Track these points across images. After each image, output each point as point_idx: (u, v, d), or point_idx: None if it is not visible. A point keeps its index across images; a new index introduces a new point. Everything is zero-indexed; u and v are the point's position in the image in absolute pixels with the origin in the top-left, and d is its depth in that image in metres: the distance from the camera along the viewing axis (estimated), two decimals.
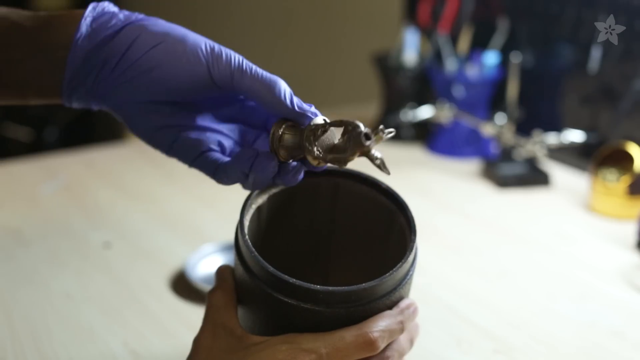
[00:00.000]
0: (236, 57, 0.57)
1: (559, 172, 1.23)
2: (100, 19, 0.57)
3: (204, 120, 0.60)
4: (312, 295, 0.54)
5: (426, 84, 1.37)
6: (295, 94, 0.58)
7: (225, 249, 0.92)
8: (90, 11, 0.58)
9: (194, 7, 2.70)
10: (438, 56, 1.34)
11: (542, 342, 0.75)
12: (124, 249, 0.96)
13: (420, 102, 1.36)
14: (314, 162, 0.56)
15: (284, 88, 0.56)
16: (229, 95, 0.60)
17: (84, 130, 2.77)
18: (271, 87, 0.56)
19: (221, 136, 0.60)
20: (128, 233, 1.01)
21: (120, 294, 0.85)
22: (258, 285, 0.55)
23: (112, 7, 0.59)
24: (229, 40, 2.76)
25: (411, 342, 0.59)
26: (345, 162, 0.55)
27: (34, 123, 2.63)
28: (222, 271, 0.61)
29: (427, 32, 1.42)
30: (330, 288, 0.54)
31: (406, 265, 0.57)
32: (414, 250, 0.58)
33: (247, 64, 0.57)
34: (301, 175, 0.58)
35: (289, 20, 2.21)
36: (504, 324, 0.78)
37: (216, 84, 0.57)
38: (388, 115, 1.39)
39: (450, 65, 1.30)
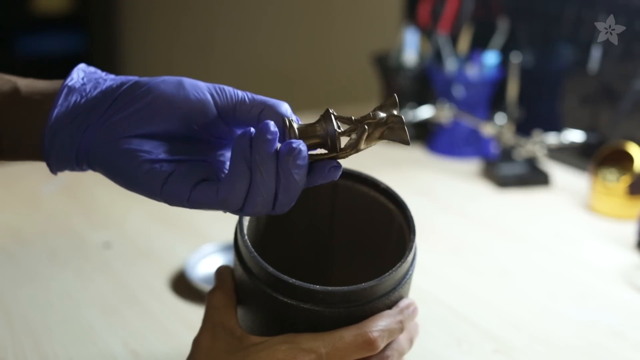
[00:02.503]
0: (239, 90, 0.54)
1: (559, 172, 1.23)
2: (92, 75, 0.56)
3: (203, 154, 0.55)
4: (311, 295, 0.54)
5: (426, 84, 1.37)
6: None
7: (225, 249, 0.92)
8: (82, 65, 0.56)
9: (193, 3, 2.70)
10: (438, 56, 1.34)
11: (542, 342, 0.75)
12: (124, 249, 0.96)
13: (420, 102, 1.36)
14: (344, 155, 0.52)
15: (289, 108, 0.54)
16: (227, 134, 0.56)
17: None
18: (277, 106, 0.53)
19: (220, 170, 0.56)
20: (128, 233, 1.01)
21: (120, 294, 0.85)
22: (257, 286, 0.55)
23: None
24: (228, 41, 2.75)
25: (411, 341, 0.59)
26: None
27: None
28: (221, 272, 0.61)
29: (427, 32, 1.42)
30: (330, 288, 0.54)
31: (405, 265, 0.57)
32: (413, 250, 0.58)
33: (250, 93, 0.54)
34: (340, 171, 0.53)
35: (288, 20, 2.21)
36: (504, 324, 0.78)
37: (220, 114, 0.54)
38: None
39: (450, 65, 1.30)
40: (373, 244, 0.66)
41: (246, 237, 0.57)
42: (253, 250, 0.56)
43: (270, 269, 0.54)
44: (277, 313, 0.55)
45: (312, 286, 0.53)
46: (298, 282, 0.54)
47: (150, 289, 0.86)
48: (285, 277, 0.54)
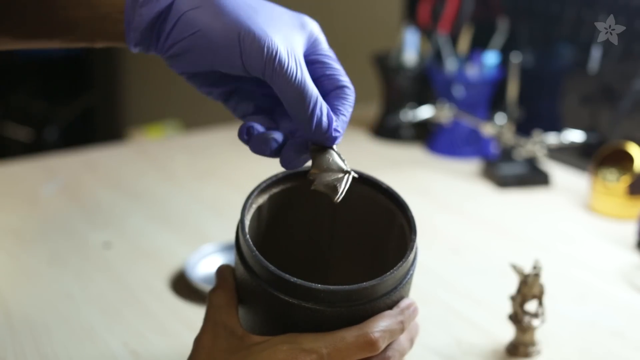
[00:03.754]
0: (272, 47, 0.53)
1: (559, 172, 1.23)
2: None
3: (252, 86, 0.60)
4: (313, 294, 0.54)
5: (426, 84, 1.37)
6: None
7: (225, 249, 0.92)
8: None
9: None
10: (438, 56, 1.34)
11: (542, 342, 0.75)
12: (124, 249, 0.96)
13: (420, 102, 1.36)
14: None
15: (317, 104, 0.55)
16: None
17: (84, 130, 2.77)
18: (302, 99, 0.54)
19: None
20: (128, 233, 1.01)
21: (120, 294, 0.85)
22: (259, 285, 0.55)
23: None
24: None
25: (411, 341, 0.59)
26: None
27: (34, 123, 2.63)
28: (222, 271, 0.61)
29: (427, 32, 1.42)
30: (332, 287, 0.54)
31: (406, 265, 0.57)
32: (414, 250, 0.58)
33: (282, 58, 0.54)
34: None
35: None
36: (504, 323, 0.78)
37: (249, 72, 0.55)
38: (388, 115, 1.39)
39: (450, 65, 1.30)
40: (374, 244, 0.66)
41: (248, 235, 0.57)
42: (254, 249, 0.56)
43: (272, 267, 0.54)
44: (278, 312, 0.55)
45: (313, 285, 0.54)
46: (300, 281, 0.54)
47: (150, 289, 0.86)
48: (287, 276, 0.54)
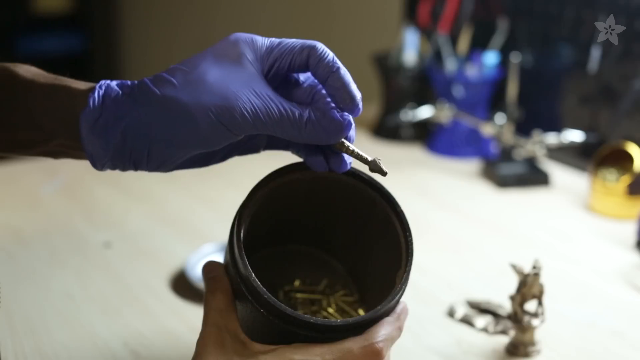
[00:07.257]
0: (251, 105, 0.55)
1: (558, 172, 1.23)
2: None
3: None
4: (309, 326, 0.55)
5: (426, 84, 1.37)
6: None
7: (225, 248, 0.92)
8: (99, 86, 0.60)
9: (193, 3, 2.70)
10: (438, 56, 1.34)
11: (542, 342, 0.75)
12: (124, 249, 0.96)
13: (420, 102, 1.36)
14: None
15: (285, 114, 0.56)
16: None
17: None
18: (296, 121, 0.56)
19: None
20: (128, 233, 1.01)
21: (120, 293, 0.85)
22: (258, 311, 0.56)
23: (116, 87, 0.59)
24: None
25: (400, 329, 0.60)
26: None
27: None
28: (214, 270, 0.61)
29: (427, 32, 1.42)
30: (328, 321, 0.55)
31: (401, 293, 0.59)
32: (405, 281, 0.59)
33: (254, 107, 0.55)
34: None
35: (288, 20, 2.21)
36: None
37: (237, 135, 0.56)
38: (388, 115, 1.39)
39: (450, 65, 1.30)
40: (367, 234, 0.66)
41: (249, 268, 0.56)
42: (263, 288, 0.55)
43: (273, 299, 0.55)
44: (275, 333, 0.56)
45: (310, 318, 0.55)
46: (295, 313, 0.55)
47: (150, 289, 0.86)
48: (283, 307, 0.55)
